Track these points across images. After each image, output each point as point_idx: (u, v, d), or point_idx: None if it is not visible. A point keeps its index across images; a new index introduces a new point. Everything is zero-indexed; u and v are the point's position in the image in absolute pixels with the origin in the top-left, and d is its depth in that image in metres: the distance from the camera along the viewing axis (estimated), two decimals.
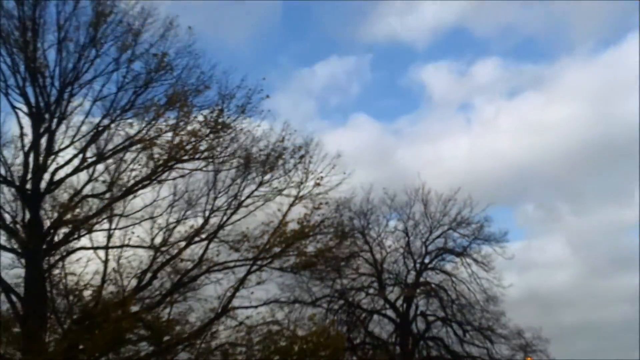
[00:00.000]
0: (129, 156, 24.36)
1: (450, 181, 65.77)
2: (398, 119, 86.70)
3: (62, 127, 23.88)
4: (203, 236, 25.09)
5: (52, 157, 23.65)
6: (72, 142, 23.90)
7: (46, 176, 23.53)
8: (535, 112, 73.84)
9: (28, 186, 23.26)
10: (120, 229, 24.42)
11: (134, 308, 23.26)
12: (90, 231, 23.86)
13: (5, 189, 23.28)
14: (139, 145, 24.17)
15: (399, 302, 38.44)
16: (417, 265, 38.74)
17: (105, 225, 24.26)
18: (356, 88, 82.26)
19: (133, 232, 24.59)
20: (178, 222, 25.10)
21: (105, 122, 24.10)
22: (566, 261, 65.76)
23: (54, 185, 23.60)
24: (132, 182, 24.25)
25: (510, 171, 69.54)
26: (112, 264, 24.14)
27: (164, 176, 24.62)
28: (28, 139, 23.46)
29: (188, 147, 24.19)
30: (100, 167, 24.24)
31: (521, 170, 68.83)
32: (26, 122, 23.58)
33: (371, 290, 38.47)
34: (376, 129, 76.85)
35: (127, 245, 24.49)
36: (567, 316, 58.41)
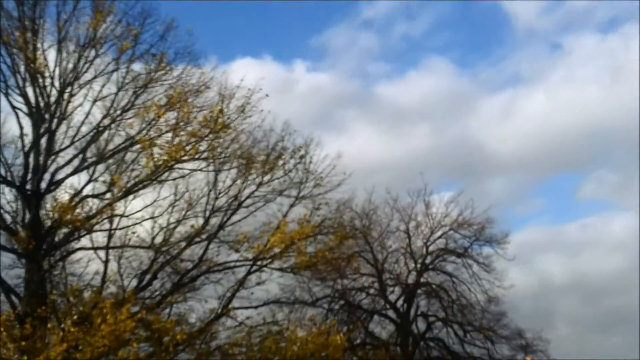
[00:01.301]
0: (129, 156, 24.41)
1: (519, 143, 63.66)
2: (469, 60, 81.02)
3: (62, 127, 23.99)
4: (203, 236, 25.10)
5: (52, 157, 23.71)
6: (72, 143, 23.97)
7: (46, 176, 23.64)
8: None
9: (28, 186, 23.30)
10: (120, 229, 24.45)
11: (134, 308, 23.25)
12: (90, 231, 23.86)
13: (6, 189, 23.34)
14: (139, 146, 24.18)
15: (400, 303, 38.41)
16: (418, 266, 38.68)
17: (106, 226, 24.27)
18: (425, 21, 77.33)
19: (133, 233, 24.63)
20: (178, 222, 25.10)
21: (106, 122, 24.14)
22: (629, 243, 56.53)
23: (54, 185, 23.64)
24: (132, 182, 24.26)
25: (590, 130, 64.32)
26: (112, 265, 24.18)
27: (164, 176, 24.62)
28: (28, 139, 23.52)
29: (188, 147, 24.21)
30: (100, 167, 24.28)
31: (603, 131, 63.61)
32: (26, 122, 23.67)
33: (372, 291, 38.43)
34: (446, 74, 73.89)
35: (128, 246, 24.53)
36: (614, 306, 54.37)
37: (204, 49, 43.71)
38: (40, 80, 23.43)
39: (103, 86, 24.20)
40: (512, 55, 79.85)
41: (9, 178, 23.13)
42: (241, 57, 67.64)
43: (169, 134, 24.21)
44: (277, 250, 25.27)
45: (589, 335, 53.31)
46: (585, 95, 68.63)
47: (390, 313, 38.41)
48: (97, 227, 24.00)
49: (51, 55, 23.58)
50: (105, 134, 24.24)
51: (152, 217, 24.72)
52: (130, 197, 24.48)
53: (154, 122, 24.20)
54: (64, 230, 23.38)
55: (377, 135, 69.79)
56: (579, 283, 55.96)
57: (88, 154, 24.05)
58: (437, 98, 72.77)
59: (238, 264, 25.58)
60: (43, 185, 23.44)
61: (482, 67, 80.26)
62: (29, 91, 23.55)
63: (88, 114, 24.18)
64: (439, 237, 39.05)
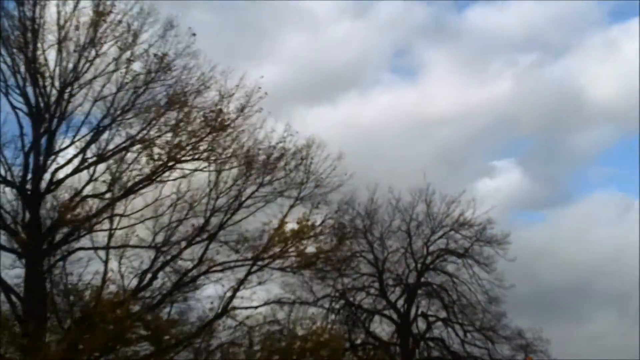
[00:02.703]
0: (129, 156, 24.42)
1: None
2: None
3: (62, 127, 24.01)
4: (204, 236, 25.11)
5: (52, 157, 23.70)
6: (72, 142, 23.98)
7: (46, 176, 23.59)
8: None
9: (28, 186, 23.30)
10: (120, 229, 24.42)
11: (134, 308, 23.28)
12: (90, 231, 23.87)
13: (6, 189, 23.30)
14: (139, 146, 24.20)
15: (400, 303, 38.42)
16: (419, 266, 38.69)
17: (106, 226, 24.26)
18: None
19: (133, 232, 24.62)
20: (179, 222, 25.11)
21: (106, 122, 24.16)
22: None
23: (54, 185, 23.62)
24: (132, 182, 24.28)
25: None
26: (112, 264, 24.19)
27: (164, 176, 24.65)
28: (28, 139, 23.54)
29: (188, 147, 24.23)
30: (100, 167, 24.28)
31: None
32: (26, 122, 23.64)
33: (372, 291, 38.44)
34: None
35: (128, 246, 24.50)
36: None
37: None
38: (40, 80, 23.42)
39: (103, 86, 24.17)
40: None
41: (9, 178, 23.13)
42: None
43: (169, 134, 24.23)
44: (277, 250, 25.30)
45: None
46: None
47: (391, 313, 38.43)
48: (97, 226, 24.01)
49: (51, 55, 23.61)
50: (105, 134, 24.25)
51: (152, 217, 24.73)
52: (131, 196, 24.51)
53: (154, 122, 24.21)
54: (64, 230, 23.39)
55: (455, 76, 67.22)
56: None
57: (88, 154, 24.05)
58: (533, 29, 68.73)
59: (238, 263, 25.59)
60: (43, 185, 23.42)
61: None
62: (29, 91, 23.53)
63: (88, 114, 24.24)
64: (440, 237, 39.07)
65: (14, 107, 23.54)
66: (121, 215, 24.35)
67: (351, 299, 37.82)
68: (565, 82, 68.37)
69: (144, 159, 24.29)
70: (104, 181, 24.17)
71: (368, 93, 68.33)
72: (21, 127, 23.52)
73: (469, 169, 62.89)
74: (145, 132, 24.28)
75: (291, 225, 25.50)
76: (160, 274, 24.61)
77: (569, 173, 71.70)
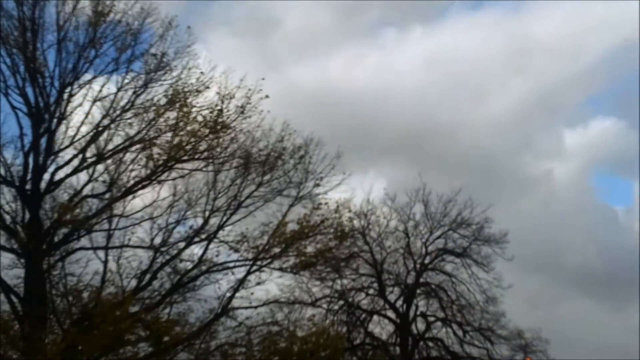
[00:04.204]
0: (128, 156, 24.41)
1: None
2: None
3: (62, 128, 23.94)
4: (203, 236, 25.11)
5: (52, 157, 23.70)
6: (72, 143, 23.92)
7: (46, 176, 23.59)
8: None
9: (28, 186, 23.28)
10: (120, 229, 24.44)
11: (134, 308, 23.26)
12: (90, 231, 23.86)
13: (5, 189, 23.28)
14: (138, 146, 24.19)
15: (399, 303, 38.44)
16: (417, 266, 38.71)
17: (105, 226, 24.27)
18: None
19: (133, 233, 24.64)
20: (178, 222, 25.13)
21: (105, 122, 24.13)
22: None
23: (53, 185, 23.61)
24: (131, 182, 24.27)
25: None
26: (111, 265, 24.18)
27: (163, 176, 24.64)
28: (28, 139, 23.52)
29: (188, 147, 24.22)
30: (100, 167, 24.28)
31: None
32: (26, 122, 23.62)
33: (371, 291, 38.46)
34: None
35: (127, 246, 24.52)
36: None
37: None
38: (40, 80, 23.42)
39: (103, 86, 24.21)
40: None
41: (9, 178, 23.10)
42: None
43: (169, 134, 24.23)
44: (276, 250, 25.30)
45: None
46: None
47: (390, 313, 38.45)
48: (96, 227, 24.02)
49: (51, 55, 23.62)
50: (105, 134, 24.22)
51: (151, 218, 24.73)
52: (130, 197, 24.51)
53: (153, 122, 24.20)
54: (64, 230, 23.36)
55: None
56: None
57: (88, 154, 24.01)
58: None
59: (238, 264, 25.60)
60: (42, 185, 23.41)
61: None
62: (29, 91, 23.53)
63: (88, 114, 24.19)
64: (438, 237, 39.09)
65: (13, 107, 23.54)
66: (120, 216, 24.37)
67: (350, 299, 37.84)
68: None
69: (143, 159, 24.29)
70: (103, 181, 24.19)
71: None
72: (21, 127, 23.55)
73: None
74: (144, 132, 24.27)
75: (291, 226, 25.50)
76: (160, 275, 24.58)
77: None
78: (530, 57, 71.55)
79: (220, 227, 25.29)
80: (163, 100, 24.44)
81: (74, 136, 23.91)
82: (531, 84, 70.69)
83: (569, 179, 68.46)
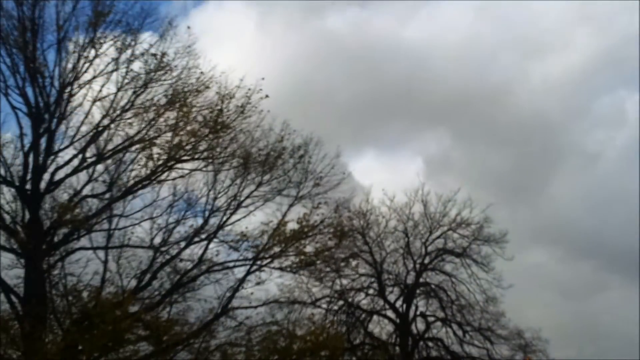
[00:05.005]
0: (128, 156, 24.43)
1: None
2: None
3: (62, 127, 24.00)
4: (203, 236, 25.12)
5: (52, 157, 23.70)
6: (71, 142, 23.97)
7: (46, 176, 23.57)
8: None
9: (28, 186, 23.28)
10: (120, 229, 24.48)
11: (133, 308, 23.26)
12: (89, 231, 23.87)
13: (5, 189, 23.30)
14: (138, 146, 24.20)
15: (399, 303, 38.45)
16: (417, 266, 38.71)
17: (105, 226, 24.30)
18: None
19: (133, 233, 24.66)
20: (178, 222, 25.14)
21: (105, 122, 24.14)
22: None
23: (53, 185, 23.62)
24: (131, 182, 24.29)
25: None
26: (111, 265, 24.19)
27: (163, 176, 24.69)
28: (28, 139, 23.52)
29: (187, 147, 24.24)
30: (100, 167, 24.30)
31: None
32: (26, 122, 23.65)
33: (371, 291, 38.47)
34: None
35: (127, 246, 24.54)
36: None
37: None
38: (40, 80, 23.43)
39: (103, 86, 24.21)
40: None
41: (9, 178, 23.11)
42: None
43: (169, 134, 24.25)
44: (276, 250, 25.32)
45: None
46: None
47: (390, 313, 38.45)
48: (96, 227, 24.03)
49: (51, 55, 23.64)
50: (105, 134, 24.25)
51: (151, 217, 24.75)
52: (130, 197, 24.53)
53: (153, 122, 24.21)
54: (64, 230, 23.37)
55: None
56: None
57: (87, 154, 24.05)
58: None
59: (237, 263, 25.62)
60: (42, 185, 23.42)
61: None
62: (29, 91, 23.56)
63: (88, 114, 24.24)
64: (438, 237, 39.08)
65: (13, 107, 23.58)
66: (120, 216, 24.41)
67: (350, 299, 37.83)
68: None
69: (143, 159, 24.31)
70: (103, 181, 24.21)
71: None
72: (21, 127, 23.56)
73: None
74: (144, 132, 24.29)
75: (291, 225, 25.53)
76: (160, 274, 24.61)
77: None
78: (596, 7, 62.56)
79: (220, 226, 25.34)
80: (163, 100, 24.45)
81: (74, 136, 23.99)
82: (597, 39, 62.69)
83: (630, 149, 60.26)
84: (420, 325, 38.80)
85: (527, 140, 54.66)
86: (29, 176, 23.29)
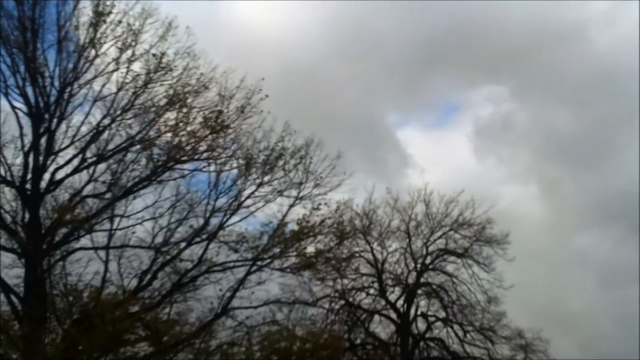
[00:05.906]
0: (129, 157, 24.41)
1: None
2: None
3: (62, 127, 23.91)
4: (203, 237, 25.10)
5: (52, 157, 23.66)
6: (72, 142, 23.90)
7: (46, 176, 23.55)
8: None
9: (28, 186, 23.26)
10: (120, 229, 24.45)
11: (134, 308, 23.26)
12: (90, 231, 23.86)
13: (5, 189, 23.27)
14: (139, 146, 24.19)
15: (400, 303, 38.45)
16: (418, 266, 38.74)
17: (106, 226, 24.28)
18: None
19: (133, 233, 24.63)
20: (179, 222, 25.11)
21: (105, 122, 24.13)
22: None
23: (54, 185, 23.60)
24: (132, 182, 24.27)
25: None
26: (112, 265, 24.17)
27: (164, 177, 24.67)
28: (28, 139, 23.46)
29: (187, 147, 24.22)
30: (100, 167, 24.28)
31: None
32: (26, 122, 23.60)
33: (372, 291, 38.47)
34: None
35: (128, 246, 24.51)
36: None
37: None
38: (40, 80, 23.41)
39: (103, 86, 24.19)
40: None
41: (9, 178, 23.10)
42: None
43: (169, 134, 24.24)
44: (276, 250, 25.31)
45: None
46: None
47: (391, 313, 38.49)
48: (97, 227, 24.01)
49: (51, 55, 23.61)
50: (105, 134, 24.22)
51: (153, 218, 24.74)
52: (131, 197, 24.51)
53: (153, 123, 24.20)
54: (64, 230, 23.35)
55: None
56: None
57: (88, 154, 24.01)
58: None
59: (238, 264, 25.59)
60: (43, 185, 23.40)
61: None
62: (29, 91, 23.51)
63: (88, 113, 24.22)
64: (439, 237, 39.14)
65: (13, 107, 23.52)
66: (121, 216, 24.39)
67: (351, 299, 37.86)
68: None
69: (143, 160, 24.30)
70: (103, 181, 24.18)
71: None
72: (21, 127, 23.49)
73: None
74: (145, 132, 24.28)
75: (291, 226, 25.52)
76: (160, 274, 24.59)
77: None
78: None
79: (221, 227, 25.31)
80: (163, 101, 24.43)
81: (74, 136, 23.92)
82: None
83: None
84: (421, 325, 38.91)
85: (602, 99, 49.58)
86: (29, 176, 23.27)
